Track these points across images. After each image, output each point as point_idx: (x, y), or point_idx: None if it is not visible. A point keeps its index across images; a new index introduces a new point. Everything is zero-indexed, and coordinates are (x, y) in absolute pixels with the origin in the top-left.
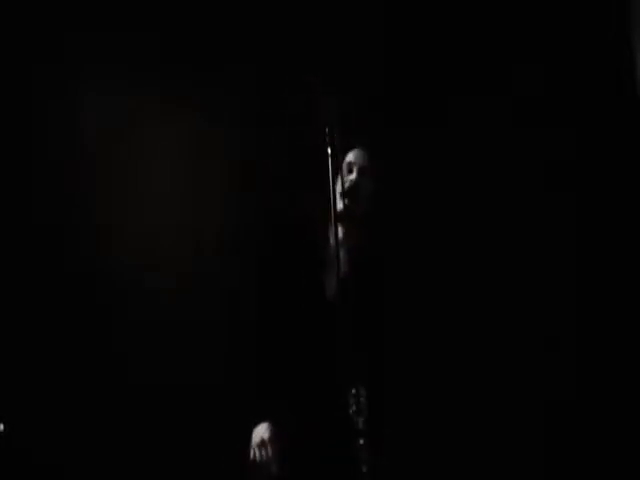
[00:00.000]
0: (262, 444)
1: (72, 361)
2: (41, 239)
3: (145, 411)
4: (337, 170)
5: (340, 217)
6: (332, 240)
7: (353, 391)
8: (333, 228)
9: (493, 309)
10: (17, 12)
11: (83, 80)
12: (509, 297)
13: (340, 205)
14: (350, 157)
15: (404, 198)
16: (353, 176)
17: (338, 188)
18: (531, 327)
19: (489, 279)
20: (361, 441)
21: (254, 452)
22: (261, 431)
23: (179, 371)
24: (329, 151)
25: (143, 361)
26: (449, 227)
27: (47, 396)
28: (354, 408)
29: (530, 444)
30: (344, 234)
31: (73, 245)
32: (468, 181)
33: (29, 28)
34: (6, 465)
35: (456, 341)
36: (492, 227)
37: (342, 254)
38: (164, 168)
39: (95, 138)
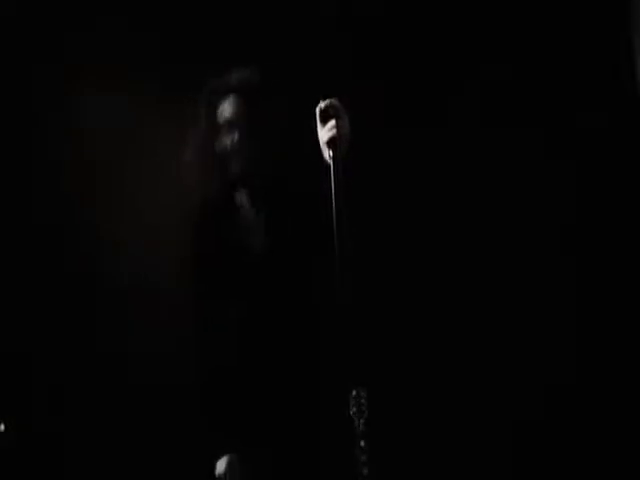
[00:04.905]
0: None
1: (72, 361)
2: (41, 239)
3: (145, 411)
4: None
5: (243, 182)
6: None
7: (354, 392)
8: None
9: (493, 309)
10: (17, 12)
11: (83, 80)
12: (509, 297)
13: (237, 169)
14: (226, 113)
15: (404, 198)
16: (236, 135)
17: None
18: (531, 327)
19: (488, 278)
20: (362, 443)
21: None
22: (220, 469)
23: (179, 371)
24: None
25: (143, 361)
26: (449, 227)
27: (47, 396)
28: (354, 409)
29: (531, 441)
30: (250, 198)
31: (73, 245)
32: (468, 181)
33: (29, 28)
34: (6, 465)
35: (455, 341)
36: (491, 227)
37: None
38: (164, 168)
39: (95, 138)
